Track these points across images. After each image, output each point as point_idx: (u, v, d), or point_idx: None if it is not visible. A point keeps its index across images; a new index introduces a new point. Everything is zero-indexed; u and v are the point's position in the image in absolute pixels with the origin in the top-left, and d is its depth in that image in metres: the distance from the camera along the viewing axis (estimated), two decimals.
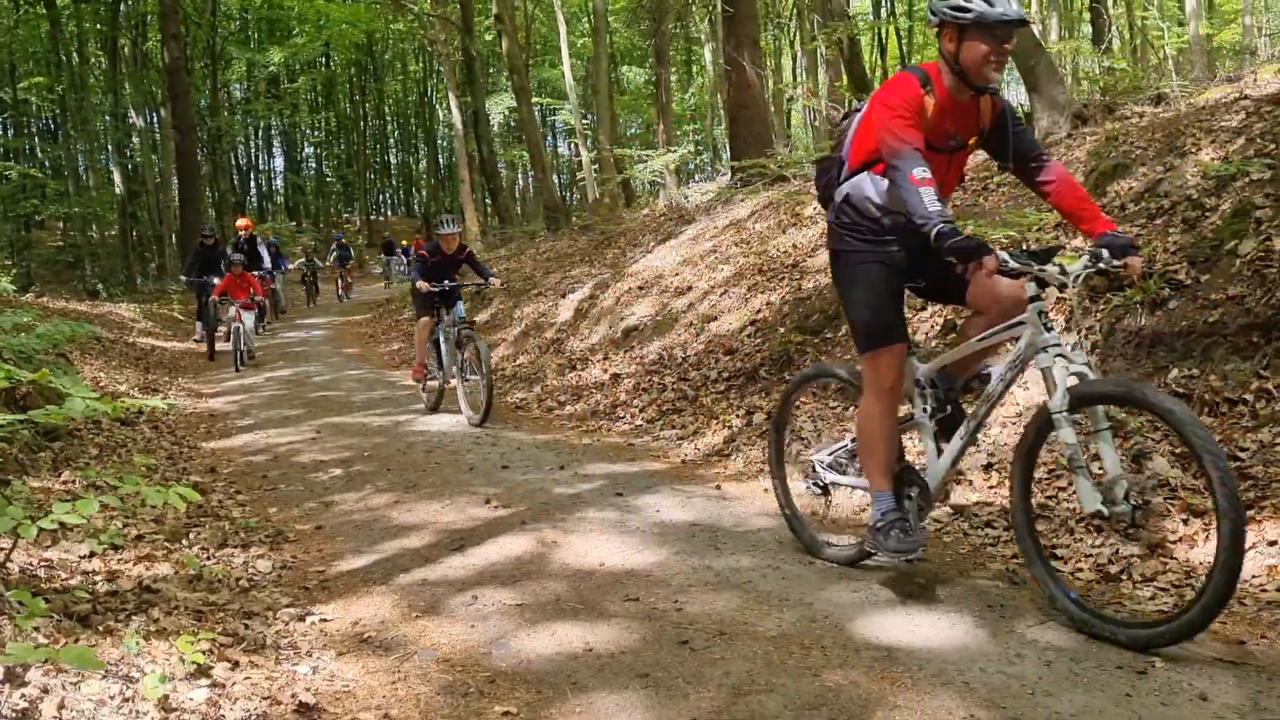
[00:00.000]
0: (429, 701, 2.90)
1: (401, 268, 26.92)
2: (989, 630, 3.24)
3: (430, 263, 8.73)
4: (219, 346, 14.18)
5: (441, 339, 8.70)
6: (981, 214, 7.23)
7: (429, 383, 9.00)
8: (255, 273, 14.39)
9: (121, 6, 28.74)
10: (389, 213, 51.55)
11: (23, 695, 2.46)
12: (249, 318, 12.82)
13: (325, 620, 3.61)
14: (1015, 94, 24.73)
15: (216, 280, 13.72)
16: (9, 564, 3.35)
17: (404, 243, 29.01)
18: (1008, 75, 23.59)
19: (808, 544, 4.22)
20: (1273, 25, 20.43)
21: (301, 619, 3.60)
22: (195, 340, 15.76)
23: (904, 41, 31.55)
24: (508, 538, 4.60)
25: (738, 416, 6.76)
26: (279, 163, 49.01)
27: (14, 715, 2.39)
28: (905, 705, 2.74)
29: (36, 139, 34.29)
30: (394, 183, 54.00)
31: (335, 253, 25.42)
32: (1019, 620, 3.32)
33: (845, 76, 16.67)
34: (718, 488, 5.51)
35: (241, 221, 17.21)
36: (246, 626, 3.38)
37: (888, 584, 3.76)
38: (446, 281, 8.69)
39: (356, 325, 18.63)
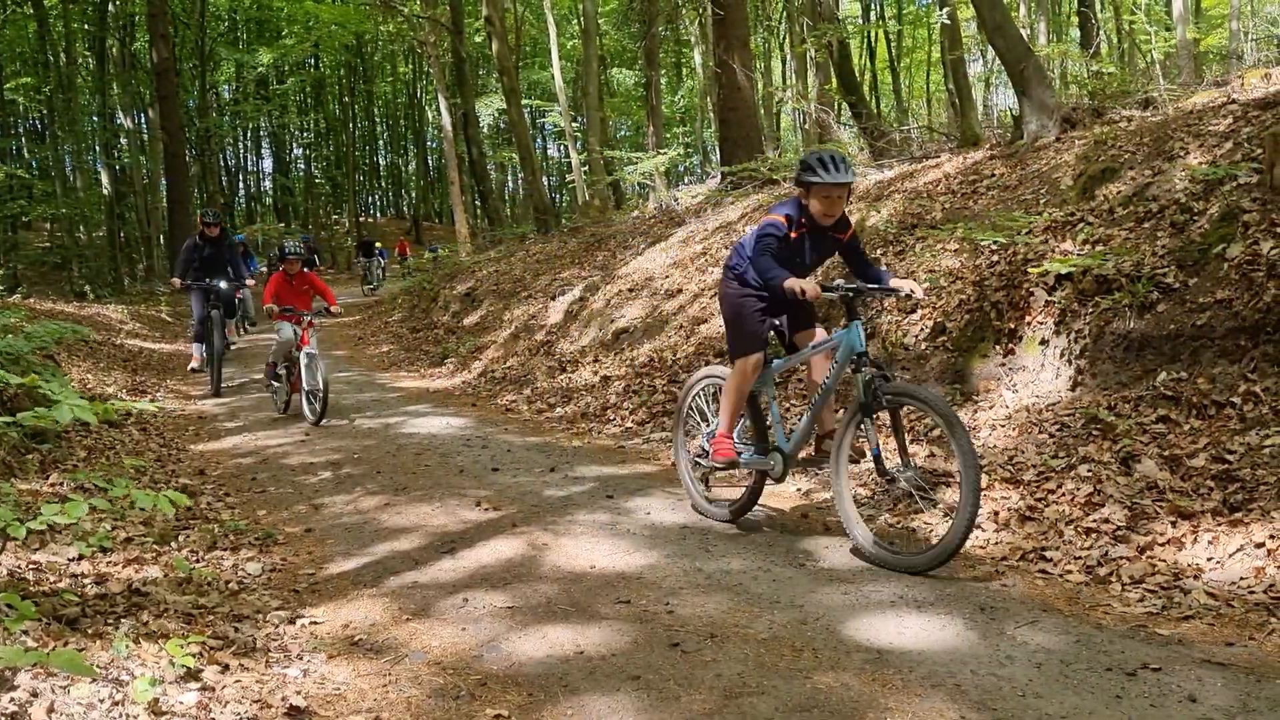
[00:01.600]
0: (420, 704, 2.90)
1: (381, 268, 26.39)
2: (979, 632, 3.26)
3: (789, 240, 4.39)
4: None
5: (769, 393, 4.74)
6: (971, 216, 7.26)
7: (738, 468, 4.84)
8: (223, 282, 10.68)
9: (109, 7, 28.66)
10: (378, 214, 51.45)
11: (12, 699, 2.45)
12: (314, 340, 8.60)
13: (315, 623, 3.60)
14: (1005, 97, 24.87)
15: (223, 284, 10.55)
16: None
17: (378, 245, 28.40)
18: (997, 79, 23.72)
19: None
20: (1259, 30, 20.58)
21: (292, 622, 3.59)
22: (192, 369, 11.91)
23: (893, 45, 31.67)
24: (498, 540, 4.60)
25: None
26: (268, 164, 48.95)
27: (3, 719, 2.37)
28: (896, 707, 2.75)
29: (24, 139, 34.14)
30: (383, 184, 53.93)
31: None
32: (1009, 622, 3.33)
33: (835, 79, 16.68)
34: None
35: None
36: (236, 629, 3.37)
37: (878, 586, 3.77)
38: (842, 282, 4.24)
39: (345, 328, 18.56)
